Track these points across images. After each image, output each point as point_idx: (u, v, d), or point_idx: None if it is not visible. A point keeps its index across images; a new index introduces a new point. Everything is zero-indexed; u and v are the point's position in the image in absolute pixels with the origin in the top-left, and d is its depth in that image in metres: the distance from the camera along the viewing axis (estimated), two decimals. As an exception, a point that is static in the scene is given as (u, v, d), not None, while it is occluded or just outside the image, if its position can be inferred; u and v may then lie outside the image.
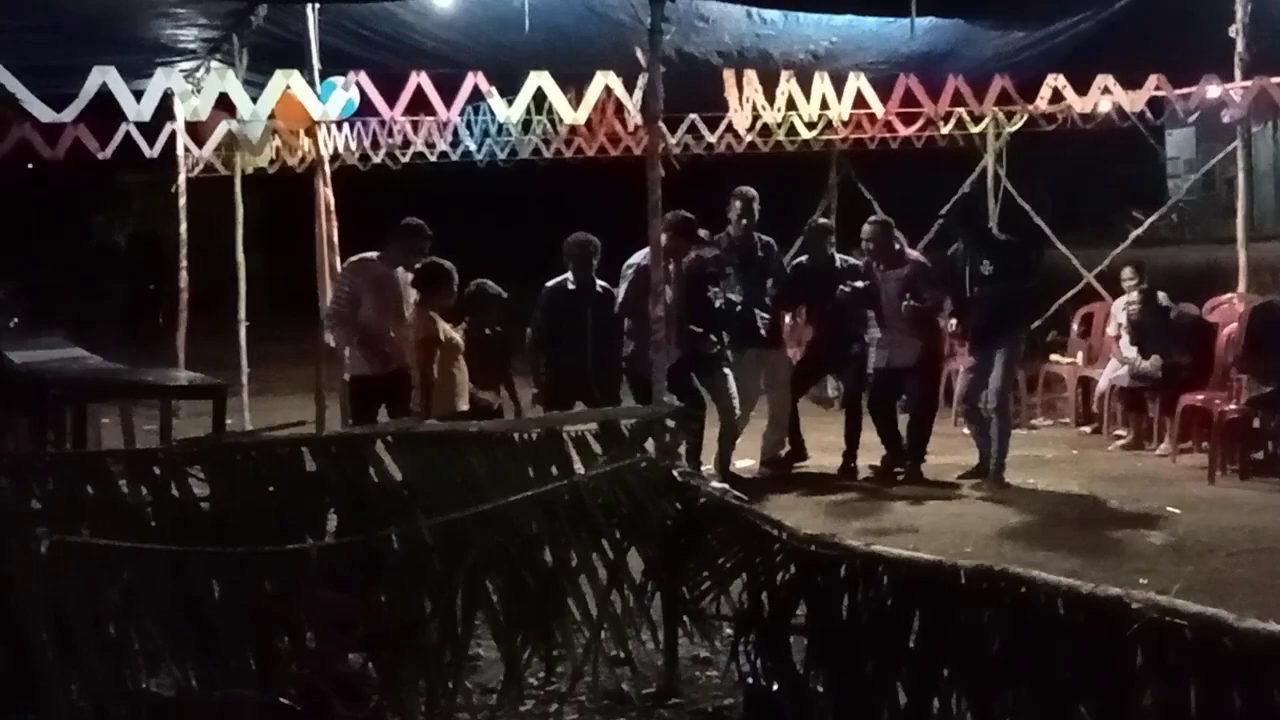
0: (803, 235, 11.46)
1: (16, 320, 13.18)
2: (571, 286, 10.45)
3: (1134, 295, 12.40)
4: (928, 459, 11.12)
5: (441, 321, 8.92)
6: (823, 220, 12.02)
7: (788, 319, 12.07)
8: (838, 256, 11.62)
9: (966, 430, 11.16)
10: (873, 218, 11.56)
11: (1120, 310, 12.91)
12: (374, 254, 9.77)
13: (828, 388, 12.37)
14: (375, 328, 9.51)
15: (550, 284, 10.53)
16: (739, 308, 10.85)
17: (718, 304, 10.59)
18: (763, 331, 11.08)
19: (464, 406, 9.01)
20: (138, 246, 27.01)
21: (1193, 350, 11.46)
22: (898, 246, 11.32)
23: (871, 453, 11.21)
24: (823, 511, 9.92)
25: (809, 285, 11.35)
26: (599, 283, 10.53)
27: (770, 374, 11.28)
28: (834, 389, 12.11)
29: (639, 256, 10.34)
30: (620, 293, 10.40)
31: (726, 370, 10.66)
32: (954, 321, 11.24)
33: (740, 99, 11.69)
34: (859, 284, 11.06)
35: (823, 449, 11.45)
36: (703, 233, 10.50)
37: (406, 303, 9.60)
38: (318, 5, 10.06)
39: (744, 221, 11.14)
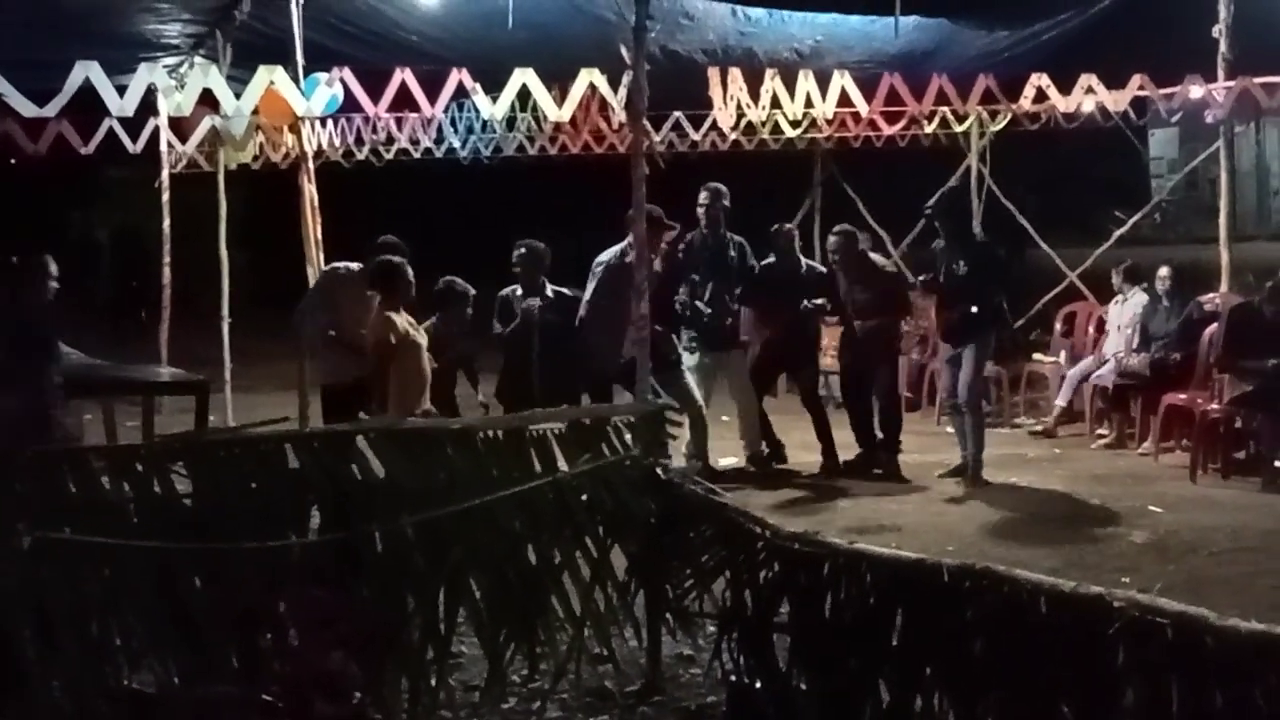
0: (771, 239, 11.49)
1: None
2: (520, 293, 10.43)
3: (1138, 294, 12.45)
4: (914, 457, 11.17)
5: (401, 320, 8.80)
6: (787, 225, 12.03)
7: (757, 318, 12.05)
8: (804, 262, 11.67)
9: (950, 429, 11.19)
10: (837, 228, 11.57)
11: (1114, 313, 12.96)
12: (355, 265, 9.68)
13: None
14: (349, 335, 9.38)
15: (503, 293, 10.53)
16: (706, 316, 10.86)
17: (679, 310, 10.59)
18: (728, 332, 11.11)
19: (426, 406, 8.87)
20: (121, 242, 26.89)
21: (1194, 345, 11.42)
22: (864, 252, 11.42)
23: (848, 450, 11.24)
24: (805, 509, 9.93)
25: (772, 287, 11.35)
26: (550, 287, 10.50)
27: (732, 376, 11.28)
28: (821, 389, 12.10)
29: (608, 254, 10.37)
30: (588, 290, 10.41)
31: (683, 368, 10.66)
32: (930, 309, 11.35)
33: (724, 97, 11.71)
34: (819, 301, 11.12)
35: (804, 447, 11.46)
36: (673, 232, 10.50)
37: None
38: (301, 1, 10.04)
39: (701, 212, 11.11)
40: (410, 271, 9.01)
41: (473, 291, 10.04)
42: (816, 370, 11.65)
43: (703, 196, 11.14)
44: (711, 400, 11.11)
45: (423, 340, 8.94)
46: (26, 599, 4.69)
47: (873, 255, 11.83)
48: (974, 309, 10.57)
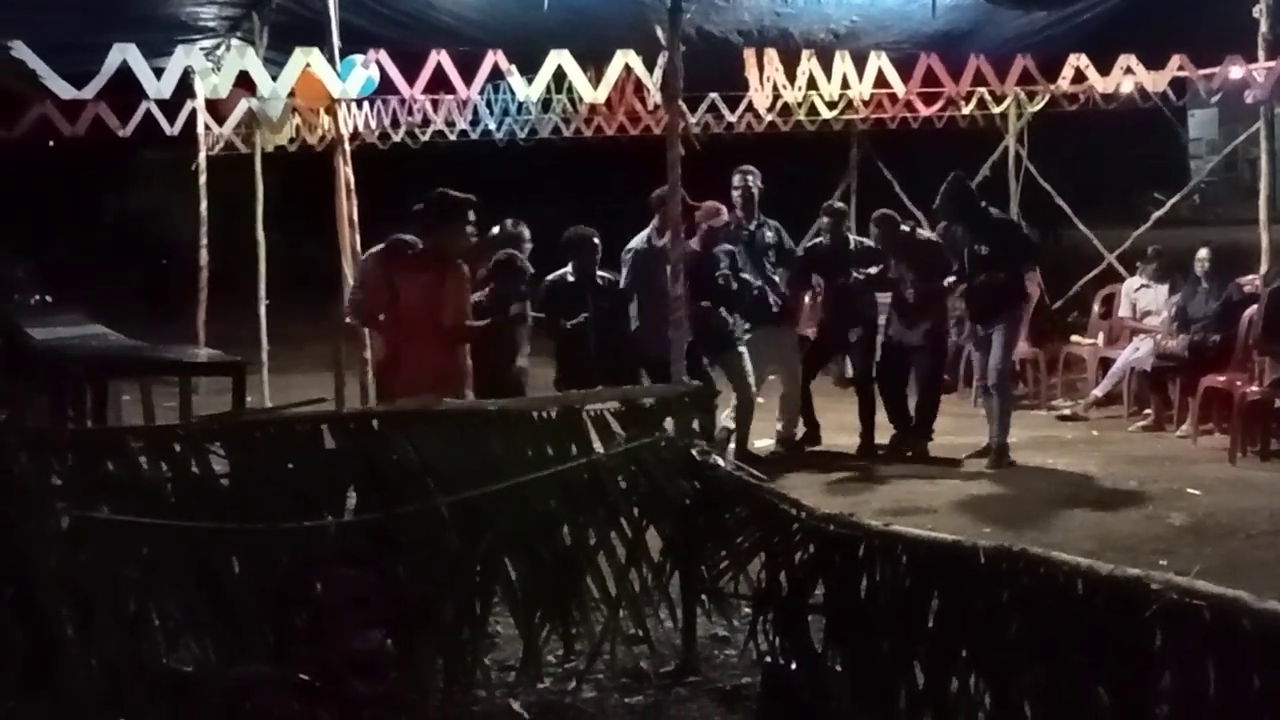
0: (822, 218, 11.45)
1: (47, 298, 13.17)
2: (572, 279, 10.36)
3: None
4: (949, 439, 11.14)
5: None
6: (839, 204, 12.02)
7: (805, 299, 12.08)
8: (852, 238, 11.65)
9: (984, 411, 11.16)
10: (875, 215, 11.53)
11: (1132, 291, 12.92)
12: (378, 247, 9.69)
13: (848, 368, 12.36)
14: None
15: (550, 278, 10.38)
16: (756, 290, 10.83)
17: (721, 282, 10.52)
18: (774, 309, 11.05)
19: None
20: (158, 224, 27.03)
21: (1233, 327, 11.35)
22: (907, 230, 11.37)
23: (886, 432, 11.22)
24: (840, 491, 9.92)
25: (822, 266, 11.35)
26: (599, 273, 10.46)
27: (779, 352, 11.25)
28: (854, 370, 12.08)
29: (637, 241, 10.37)
30: (622, 279, 10.39)
31: (741, 349, 10.64)
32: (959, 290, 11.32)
33: (760, 78, 11.67)
34: (872, 270, 11.11)
35: (840, 429, 11.45)
36: (717, 207, 10.46)
37: None
38: (338, -17, 10.04)
39: (738, 196, 11.08)
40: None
41: (531, 270, 9.96)
42: (873, 350, 11.56)
43: (736, 179, 11.12)
44: (764, 380, 11.10)
45: None
46: (65, 578, 4.73)
47: (920, 231, 11.81)
48: (1000, 288, 10.56)
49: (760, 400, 11.26)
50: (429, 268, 8.27)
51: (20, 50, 9.26)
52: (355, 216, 10.26)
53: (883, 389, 11.29)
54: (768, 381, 11.29)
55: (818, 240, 11.38)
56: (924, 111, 14.38)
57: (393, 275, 8.42)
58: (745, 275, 10.75)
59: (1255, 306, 10.98)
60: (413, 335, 8.25)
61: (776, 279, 11.19)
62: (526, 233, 10.29)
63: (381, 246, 8.89)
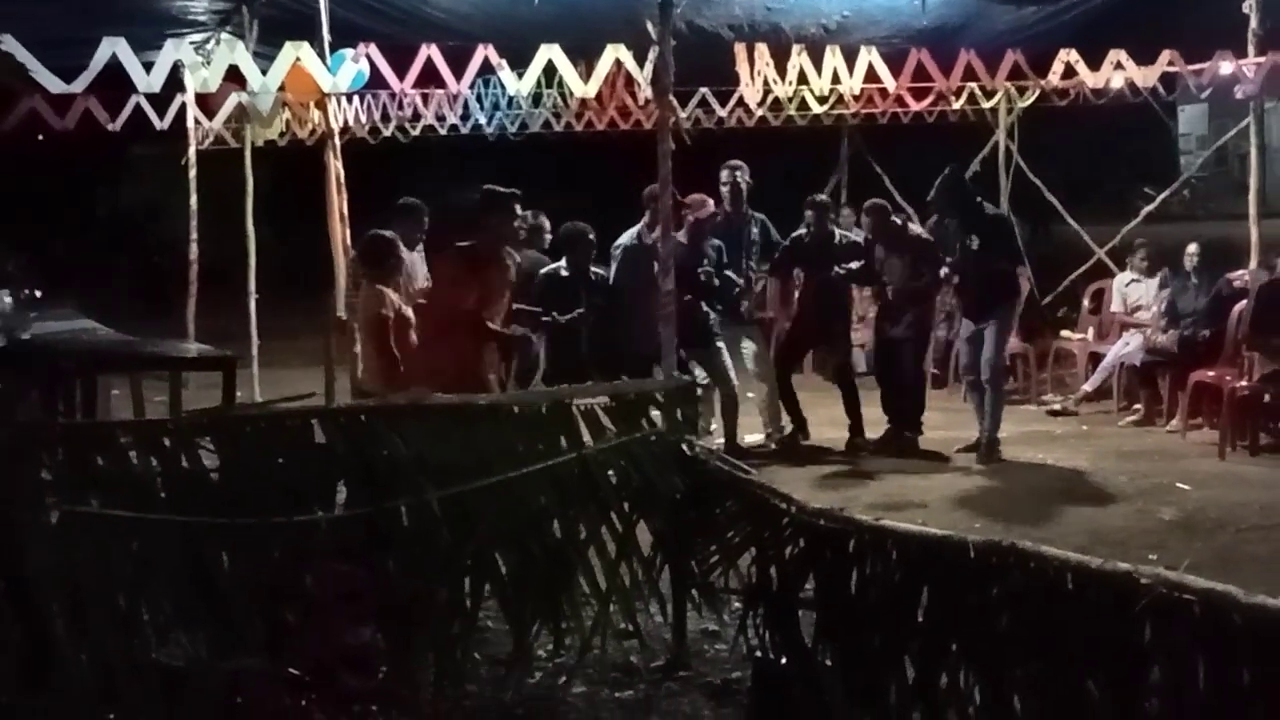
0: (805, 210, 11.46)
1: (39, 293, 13.13)
2: (565, 273, 10.36)
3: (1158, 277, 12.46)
4: (939, 434, 11.14)
5: (391, 294, 8.74)
6: (822, 197, 12.00)
7: (793, 295, 12.06)
8: (837, 232, 11.63)
9: (971, 404, 11.16)
10: (867, 204, 11.54)
11: (1123, 286, 12.93)
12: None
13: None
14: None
15: (545, 271, 10.40)
16: (737, 289, 10.83)
17: (704, 279, 10.51)
18: (742, 306, 11.07)
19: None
20: (148, 219, 26.98)
21: (1223, 322, 11.37)
22: (899, 223, 11.36)
23: (875, 427, 11.22)
24: (830, 486, 9.91)
25: (804, 257, 11.33)
26: (593, 269, 10.46)
27: (751, 348, 11.25)
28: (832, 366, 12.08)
29: (625, 238, 10.37)
30: (611, 274, 10.39)
31: (720, 344, 10.64)
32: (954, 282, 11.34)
33: (751, 73, 11.68)
34: (853, 265, 11.10)
35: (831, 423, 11.44)
36: (703, 198, 10.46)
37: (415, 280, 9.55)
38: (328, -23, 10.04)
39: (726, 191, 11.08)
40: (400, 249, 8.97)
41: (518, 260, 9.95)
42: (849, 344, 11.60)
43: (724, 174, 11.11)
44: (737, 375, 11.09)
45: (410, 316, 8.90)
46: (56, 573, 4.72)
47: (912, 225, 11.81)
48: (993, 282, 10.57)
49: (750, 395, 11.26)
50: (471, 263, 8.27)
51: (10, 44, 9.26)
52: (345, 211, 10.28)
53: (880, 381, 11.32)
54: (744, 377, 11.28)
55: (801, 232, 11.34)
56: (914, 106, 14.39)
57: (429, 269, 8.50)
58: (729, 274, 10.75)
59: (1244, 301, 11.00)
60: (440, 331, 8.24)
61: (751, 277, 11.21)
62: (546, 224, 10.32)
63: (365, 248, 8.89)
